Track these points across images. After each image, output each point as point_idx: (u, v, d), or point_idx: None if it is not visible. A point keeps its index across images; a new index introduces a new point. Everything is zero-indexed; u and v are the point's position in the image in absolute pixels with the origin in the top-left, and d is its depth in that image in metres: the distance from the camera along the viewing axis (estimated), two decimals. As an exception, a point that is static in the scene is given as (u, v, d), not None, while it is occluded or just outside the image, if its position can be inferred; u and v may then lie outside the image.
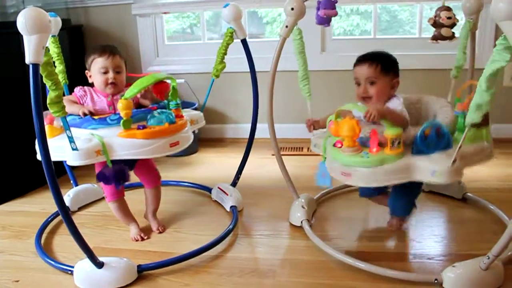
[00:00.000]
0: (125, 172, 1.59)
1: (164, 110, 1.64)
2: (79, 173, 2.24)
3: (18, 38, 2.16)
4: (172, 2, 3.13)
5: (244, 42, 1.98)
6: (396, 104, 1.58)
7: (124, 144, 1.52)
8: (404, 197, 1.66)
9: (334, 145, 1.49)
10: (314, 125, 1.73)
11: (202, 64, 3.10)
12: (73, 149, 1.45)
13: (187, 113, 1.85)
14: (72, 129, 1.47)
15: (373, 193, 1.80)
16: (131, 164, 1.76)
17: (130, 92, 1.54)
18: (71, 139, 1.44)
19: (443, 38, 1.74)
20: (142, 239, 1.81)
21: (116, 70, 1.73)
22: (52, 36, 1.93)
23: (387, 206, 1.76)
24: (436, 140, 1.37)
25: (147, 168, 1.85)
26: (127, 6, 3.13)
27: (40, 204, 2.21)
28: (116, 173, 1.56)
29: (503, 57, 1.13)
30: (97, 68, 1.72)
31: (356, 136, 1.40)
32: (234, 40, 1.97)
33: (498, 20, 1.10)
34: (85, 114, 1.64)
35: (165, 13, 3.21)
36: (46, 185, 2.33)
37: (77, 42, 3.01)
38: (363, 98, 1.61)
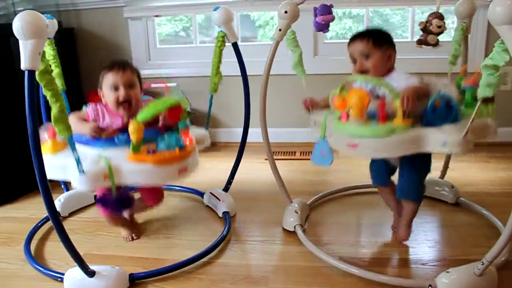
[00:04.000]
0: (127, 200, 1.55)
1: (172, 133, 1.56)
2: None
3: (9, 40, 2.19)
4: (164, 5, 3.11)
5: (235, 45, 1.97)
6: (399, 80, 1.53)
7: (132, 169, 1.44)
8: (413, 174, 1.61)
9: (339, 118, 1.46)
10: (313, 105, 1.70)
11: (194, 68, 3.10)
12: (80, 172, 1.37)
13: (193, 132, 1.78)
14: (77, 146, 1.39)
15: (386, 181, 1.75)
16: None
17: (143, 116, 1.47)
18: (78, 161, 1.37)
19: (428, 44, 1.75)
20: (133, 239, 1.82)
21: (128, 85, 1.63)
22: (47, 38, 1.91)
23: (393, 210, 1.77)
24: (445, 112, 1.35)
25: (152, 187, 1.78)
26: (119, 9, 3.11)
27: (29, 210, 2.18)
28: (118, 201, 1.50)
29: (502, 58, 1.15)
30: (107, 84, 1.63)
31: (365, 106, 1.37)
32: (226, 44, 1.95)
33: (496, 24, 1.10)
34: (95, 135, 1.54)
35: (157, 16, 3.19)
36: (35, 191, 2.33)
37: (68, 45, 2.99)
38: (361, 72, 1.59)
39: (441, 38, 1.75)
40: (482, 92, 1.22)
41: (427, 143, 1.34)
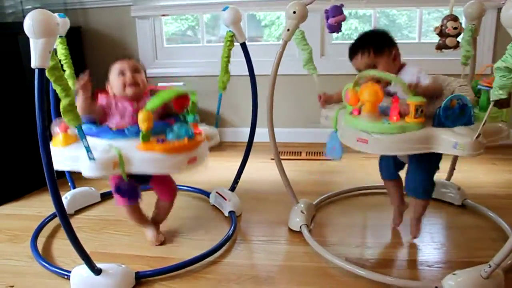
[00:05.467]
0: (137, 189, 1.59)
1: (182, 124, 1.57)
2: (77, 175, 2.21)
3: (17, 39, 2.19)
4: (171, 4, 3.12)
5: (243, 45, 1.96)
6: (412, 74, 1.53)
7: (142, 158, 1.44)
8: (421, 172, 1.60)
9: (351, 113, 1.45)
10: (326, 99, 1.70)
11: (201, 67, 3.10)
12: (90, 159, 1.38)
13: (202, 129, 1.77)
14: (88, 138, 1.40)
15: (394, 176, 1.76)
16: (147, 176, 1.70)
17: (152, 104, 1.47)
18: (87, 149, 1.37)
19: (448, 47, 1.73)
20: (162, 243, 1.80)
21: (133, 70, 1.68)
22: (60, 36, 1.91)
23: (397, 206, 1.78)
24: (458, 114, 1.34)
25: (164, 180, 1.78)
26: (126, 8, 3.12)
27: (36, 208, 2.18)
28: (130, 189, 1.54)
29: None
30: (114, 72, 1.68)
31: (378, 101, 1.36)
32: (235, 44, 1.95)
33: (509, 26, 1.10)
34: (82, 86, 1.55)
35: (164, 15, 3.20)
36: (41, 188, 2.34)
37: (75, 44, 2.98)
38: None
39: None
40: (495, 94, 1.21)
41: (438, 144, 1.33)
